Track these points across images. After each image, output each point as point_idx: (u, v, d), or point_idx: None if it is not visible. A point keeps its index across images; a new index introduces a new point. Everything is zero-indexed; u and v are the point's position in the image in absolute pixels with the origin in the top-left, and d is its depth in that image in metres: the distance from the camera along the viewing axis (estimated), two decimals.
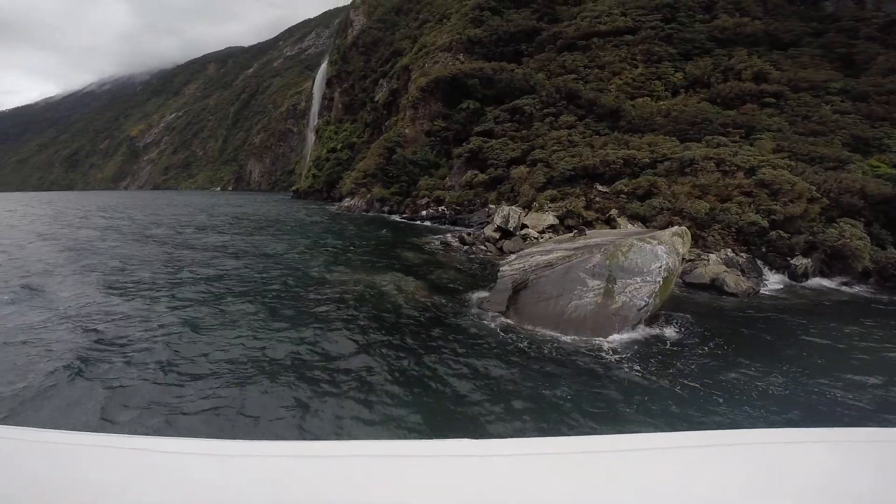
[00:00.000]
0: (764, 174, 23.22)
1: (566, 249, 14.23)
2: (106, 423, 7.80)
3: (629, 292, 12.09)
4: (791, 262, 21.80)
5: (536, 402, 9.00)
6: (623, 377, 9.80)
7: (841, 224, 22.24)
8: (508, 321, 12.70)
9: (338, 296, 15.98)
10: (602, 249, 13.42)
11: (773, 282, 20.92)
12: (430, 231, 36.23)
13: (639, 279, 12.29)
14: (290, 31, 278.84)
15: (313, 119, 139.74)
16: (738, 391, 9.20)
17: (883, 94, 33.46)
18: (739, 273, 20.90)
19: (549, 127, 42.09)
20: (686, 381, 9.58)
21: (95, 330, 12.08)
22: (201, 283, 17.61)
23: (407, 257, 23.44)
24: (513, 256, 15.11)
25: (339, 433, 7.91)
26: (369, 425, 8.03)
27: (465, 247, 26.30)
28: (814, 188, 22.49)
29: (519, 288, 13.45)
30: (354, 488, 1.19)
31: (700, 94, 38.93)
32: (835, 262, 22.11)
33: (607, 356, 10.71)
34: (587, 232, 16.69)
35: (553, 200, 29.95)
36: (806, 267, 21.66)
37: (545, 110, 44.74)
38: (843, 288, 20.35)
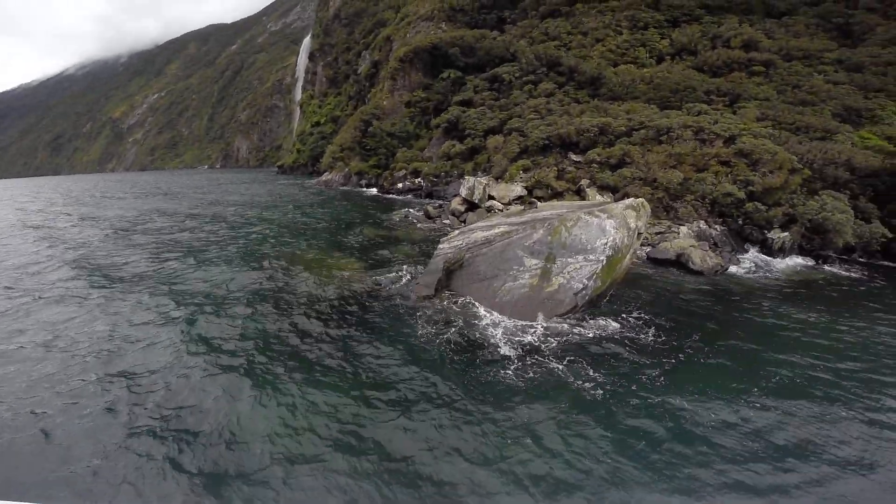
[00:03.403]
0: (744, 143, 21.57)
1: (509, 224, 12.73)
2: None
3: (568, 273, 10.65)
4: (768, 235, 20.42)
5: (419, 394, 7.82)
6: (525, 373, 8.49)
7: (823, 196, 20.72)
8: (433, 305, 11.27)
9: (269, 277, 14.53)
10: (546, 224, 11.93)
11: (748, 257, 19.55)
12: (401, 204, 34.60)
13: (580, 258, 10.84)
14: (274, 6, 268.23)
15: (299, 94, 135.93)
16: (651, 401, 7.83)
17: (880, 65, 31.58)
18: (712, 246, 19.53)
19: (528, 95, 39.97)
20: (593, 383, 8.25)
21: None
22: (142, 275, 16.13)
23: (363, 234, 21.89)
24: (455, 232, 13.60)
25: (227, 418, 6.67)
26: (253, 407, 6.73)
27: (429, 221, 24.76)
28: (795, 158, 20.88)
29: (453, 268, 11.99)
30: None
31: (686, 62, 36.76)
32: (815, 236, 20.69)
33: (521, 347, 9.35)
34: (538, 204, 15.15)
35: (526, 170, 28.28)
36: (783, 241, 20.27)
37: (525, 78, 42.48)
38: (821, 265, 19.01)
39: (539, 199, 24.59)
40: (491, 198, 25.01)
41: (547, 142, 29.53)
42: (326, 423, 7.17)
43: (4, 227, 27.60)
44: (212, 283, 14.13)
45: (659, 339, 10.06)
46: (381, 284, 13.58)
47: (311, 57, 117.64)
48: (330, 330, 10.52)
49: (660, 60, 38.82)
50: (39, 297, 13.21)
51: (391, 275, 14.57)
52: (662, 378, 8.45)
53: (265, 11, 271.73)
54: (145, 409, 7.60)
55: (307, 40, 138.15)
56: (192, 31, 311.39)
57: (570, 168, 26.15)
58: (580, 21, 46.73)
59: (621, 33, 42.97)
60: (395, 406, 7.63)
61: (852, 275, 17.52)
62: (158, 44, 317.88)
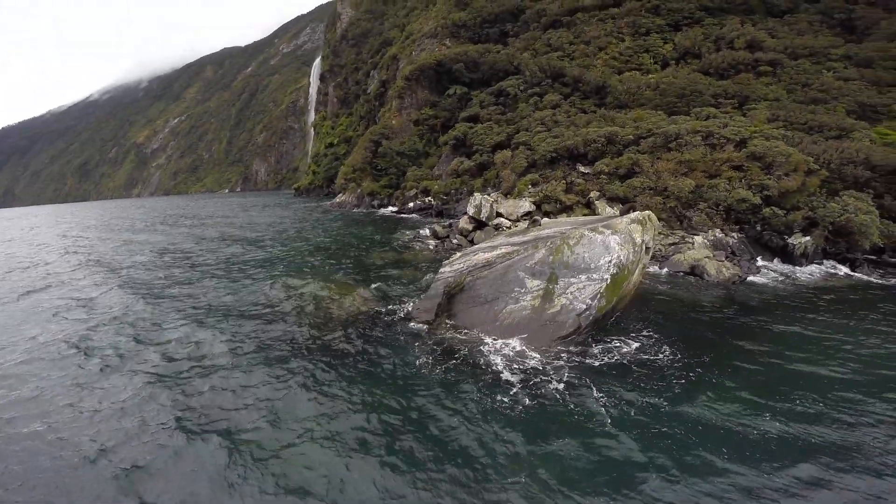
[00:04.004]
0: (755, 146, 20.96)
1: (511, 245, 12.51)
2: None
3: (571, 293, 10.34)
4: (788, 241, 19.63)
5: (415, 425, 7.58)
6: (526, 400, 8.16)
7: (844, 197, 19.89)
8: (433, 332, 11.05)
9: (271, 307, 14.56)
10: (548, 243, 11.67)
11: (768, 265, 18.80)
12: (412, 224, 34.65)
13: (584, 277, 10.52)
14: (285, 28, 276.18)
15: (312, 115, 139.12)
16: (661, 427, 7.40)
17: (889, 60, 30.74)
18: (729, 255, 18.86)
19: (534, 107, 39.90)
20: (600, 409, 7.86)
21: None
22: (147, 303, 16.45)
23: (369, 258, 21.90)
24: (457, 255, 13.41)
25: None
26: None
27: (437, 241, 24.64)
28: (811, 159, 20.16)
29: (454, 292, 11.79)
30: None
31: (691, 66, 36.28)
32: (839, 239, 19.80)
33: (523, 373, 9.02)
34: (542, 222, 14.90)
35: (534, 185, 28.03)
36: (805, 246, 19.45)
37: (530, 90, 42.52)
38: (848, 269, 18.16)
39: (548, 213, 24.28)
40: (499, 215, 24.79)
41: (554, 154, 29.28)
42: (316, 457, 6.99)
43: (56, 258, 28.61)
44: (217, 308, 14.24)
45: (669, 359, 9.63)
46: (383, 309, 13.44)
47: (322, 78, 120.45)
48: (325, 358, 10.38)
49: (664, 65, 38.40)
50: (90, 325, 13.60)
51: (395, 299, 14.45)
52: (672, 401, 8.02)
53: (276, 34, 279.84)
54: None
55: (317, 62, 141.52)
56: (207, 55, 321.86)
57: (578, 180, 25.80)
58: (581, 30, 46.72)
59: (623, 40, 42.75)
60: (389, 437, 7.41)
61: (882, 280, 16.65)
62: (176, 68, 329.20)
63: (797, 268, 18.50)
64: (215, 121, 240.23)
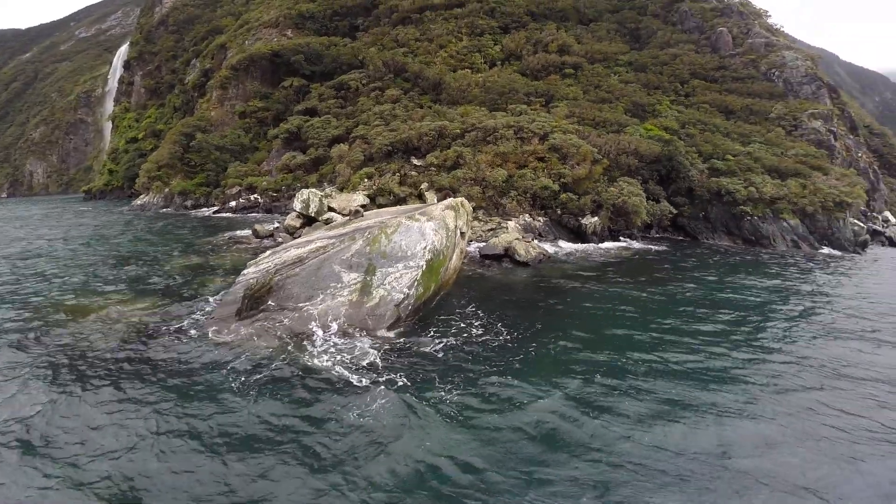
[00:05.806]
0: (555, 139, 23.91)
1: (328, 238, 11.68)
2: None
3: (389, 284, 10.02)
4: (582, 221, 22.83)
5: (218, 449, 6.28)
6: (348, 402, 7.51)
7: (620, 183, 23.94)
8: (234, 341, 9.60)
9: (26, 328, 11.09)
10: (367, 234, 11.18)
11: (568, 242, 21.67)
12: (232, 225, 30.86)
13: (401, 266, 10.32)
14: (88, 10, 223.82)
15: (111, 107, 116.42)
16: (488, 401, 7.54)
17: (658, 65, 38.29)
18: (538, 237, 21.16)
19: (375, 101, 39.61)
20: (425, 396, 7.67)
21: None
22: None
23: (170, 267, 18.41)
24: (266, 253, 12.05)
25: None
26: None
27: (258, 241, 22.33)
28: (595, 150, 23.75)
29: (259, 294, 10.45)
30: None
31: (513, 66, 40.21)
32: (619, 218, 23.81)
33: (342, 374, 8.37)
34: (364, 213, 14.45)
35: (370, 178, 27.56)
36: (595, 225, 22.85)
37: (372, 85, 42.14)
38: (628, 242, 22.05)
39: (382, 206, 24.02)
40: (332, 209, 23.56)
41: (390, 148, 29.27)
42: None
43: None
44: None
45: (494, 341, 9.78)
46: (182, 324, 11.29)
47: (127, 66, 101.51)
48: (101, 390, 8.16)
49: (492, 65, 41.80)
50: None
51: (193, 312, 12.28)
52: (492, 377, 8.19)
53: (75, 16, 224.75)
54: None
55: (124, 48, 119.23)
56: None
57: (412, 172, 26.20)
58: (428, 28, 48.33)
59: (462, 40, 45.41)
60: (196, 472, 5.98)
61: (652, 247, 20.83)
62: None
63: (590, 244, 21.71)
64: None
